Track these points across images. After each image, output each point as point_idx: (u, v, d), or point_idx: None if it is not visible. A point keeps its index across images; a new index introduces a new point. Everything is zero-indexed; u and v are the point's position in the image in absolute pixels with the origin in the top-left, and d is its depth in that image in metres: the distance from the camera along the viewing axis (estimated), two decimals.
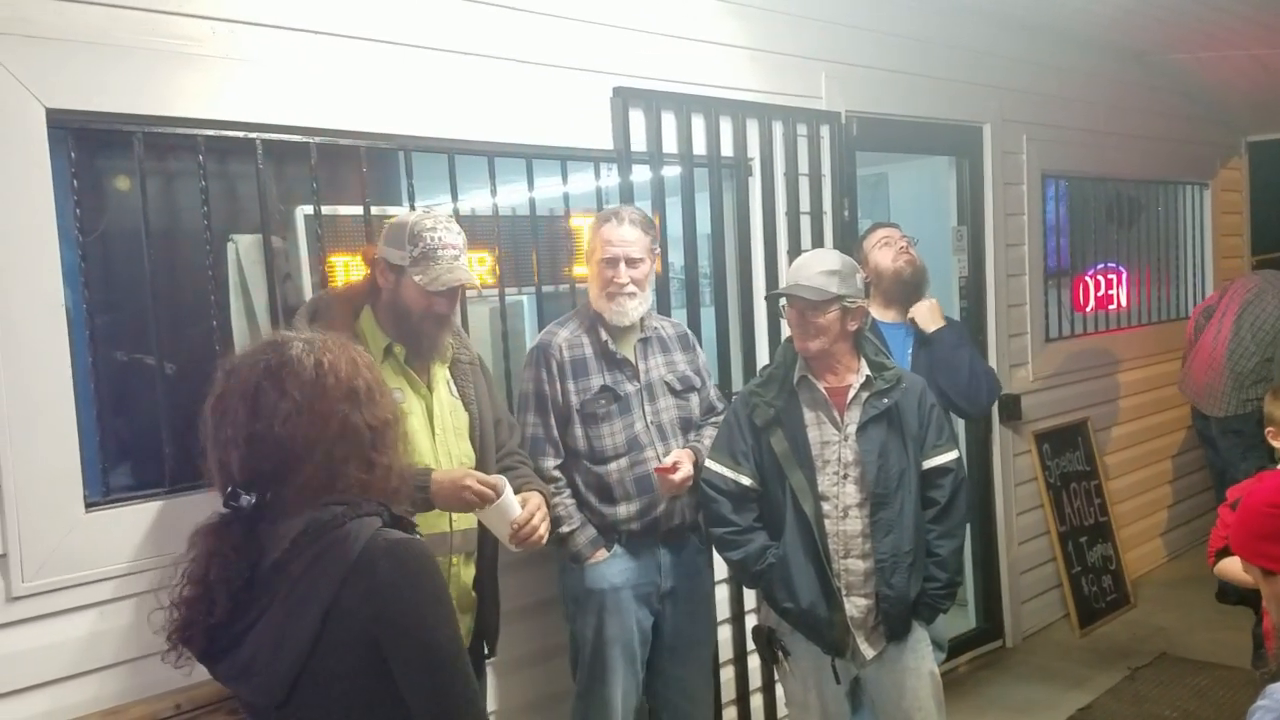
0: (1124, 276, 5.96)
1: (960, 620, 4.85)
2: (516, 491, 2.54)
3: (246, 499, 1.55)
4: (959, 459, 2.94)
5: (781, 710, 3.86)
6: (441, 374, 2.60)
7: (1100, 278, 5.80)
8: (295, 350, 1.60)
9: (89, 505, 2.31)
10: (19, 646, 2.20)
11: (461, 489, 2.40)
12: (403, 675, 1.55)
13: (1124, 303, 5.95)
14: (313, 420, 1.56)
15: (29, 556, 2.19)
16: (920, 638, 2.88)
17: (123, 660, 2.33)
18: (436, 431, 2.53)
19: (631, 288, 2.94)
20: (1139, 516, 5.86)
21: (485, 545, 2.61)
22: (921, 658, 2.87)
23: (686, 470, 2.95)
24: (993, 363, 4.82)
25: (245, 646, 1.56)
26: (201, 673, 1.85)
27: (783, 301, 2.88)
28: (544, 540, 2.58)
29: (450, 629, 1.59)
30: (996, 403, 4.76)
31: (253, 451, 1.56)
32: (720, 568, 3.61)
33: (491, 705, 3.02)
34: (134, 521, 2.35)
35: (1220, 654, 4.65)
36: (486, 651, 2.75)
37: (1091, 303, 5.74)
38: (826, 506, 2.80)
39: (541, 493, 2.68)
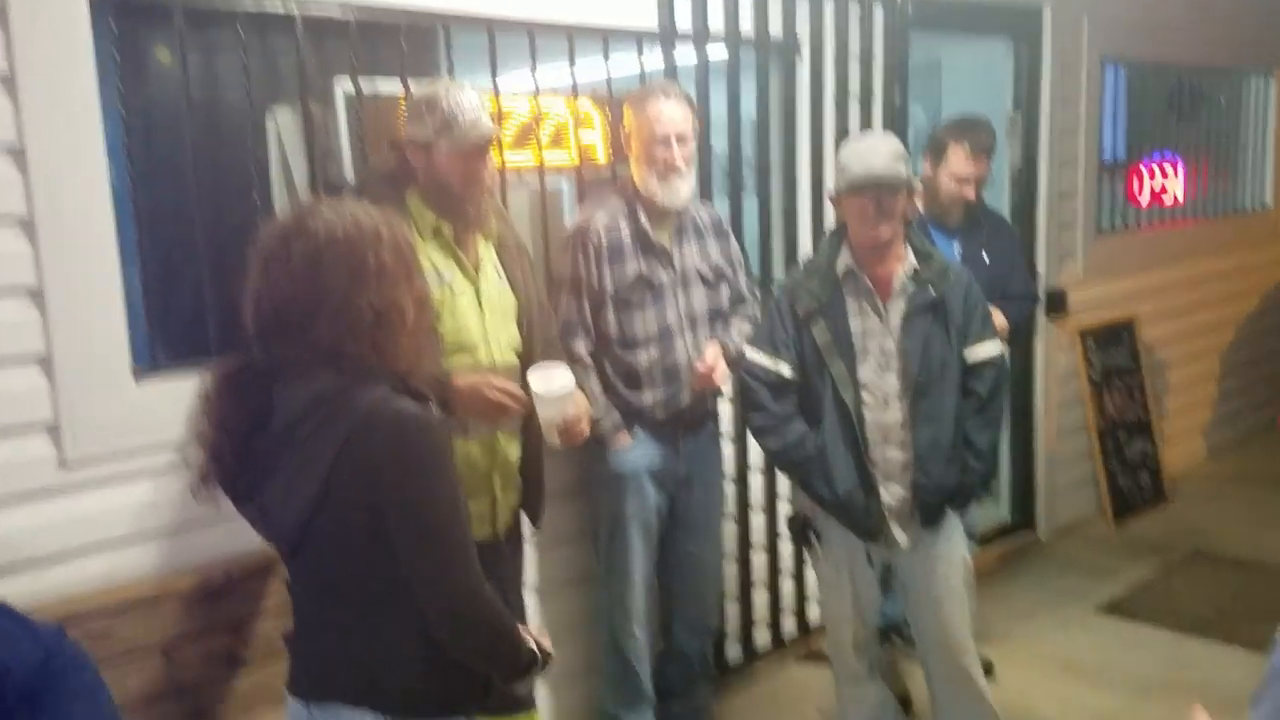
0: (1180, 168, 5.78)
1: (992, 513, 4.88)
2: None
3: (257, 349, 1.64)
4: (1002, 352, 2.91)
5: (810, 594, 3.93)
6: (489, 255, 2.59)
7: (1156, 167, 5.63)
8: (314, 221, 1.63)
9: (137, 376, 2.35)
10: (72, 514, 2.27)
11: (485, 392, 2.40)
12: (398, 540, 1.60)
13: (1179, 196, 5.79)
14: (311, 290, 1.60)
15: (79, 426, 2.25)
16: (954, 525, 2.90)
17: (175, 529, 2.40)
18: (485, 314, 2.53)
19: (683, 167, 2.91)
20: (1181, 414, 5.81)
21: (530, 423, 2.64)
22: (954, 545, 2.90)
23: (723, 370, 3.00)
24: (1040, 256, 4.74)
25: (263, 496, 1.66)
26: (251, 541, 1.90)
27: (832, 192, 2.82)
28: (584, 436, 2.66)
29: (447, 501, 1.62)
30: (1043, 296, 4.72)
31: (258, 309, 1.63)
32: (752, 457, 3.66)
33: (533, 579, 3.10)
34: (181, 392, 2.35)
35: (1256, 552, 4.65)
36: (533, 526, 2.81)
37: (1146, 195, 5.59)
38: (867, 397, 2.79)
39: (581, 389, 2.72)
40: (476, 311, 2.52)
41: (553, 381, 2.49)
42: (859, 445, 2.78)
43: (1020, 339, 4.60)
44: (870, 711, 3.01)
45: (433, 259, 2.47)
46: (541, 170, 3.20)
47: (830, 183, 3.77)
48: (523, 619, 2.83)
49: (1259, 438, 6.29)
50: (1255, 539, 4.80)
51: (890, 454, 2.81)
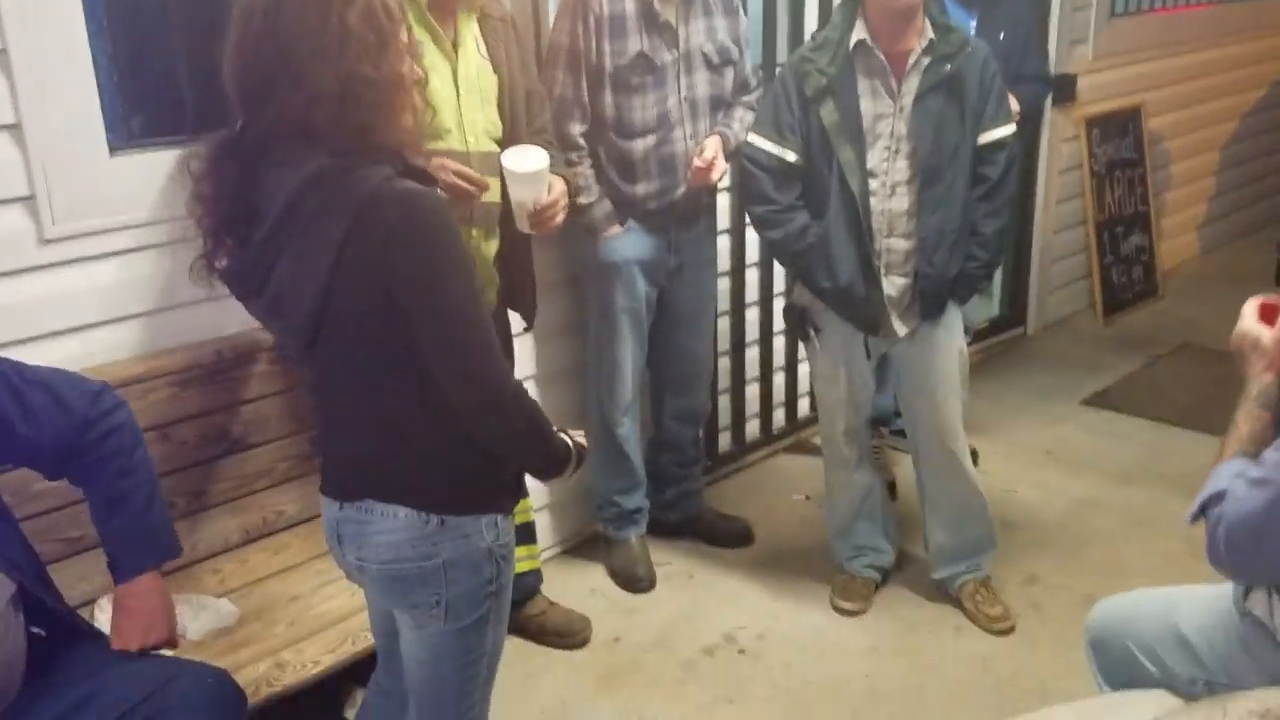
0: None
1: (983, 307, 4.86)
2: None
3: (237, 122, 1.53)
4: (1015, 133, 2.79)
5: (802, 388, 3.95)
6: (470, 29, 2.39)
7: None
8: None
9: (112, 149, 2.22)
10: (56, 289, 2.19)
11: (439, 174, 2.18)
12: (417, 326, 1.52)
13: None
14: (271, 51, 1.46)
15: (57, 199, 2.14)
16: (954, 316, 2.86)
17: (163, 307, 2.33)
18: (461, 95, 2.36)
19: None
20: (1179, 208, 5.73)
21: (510, 219, 2.51)
22: (953, 335, 2.87)
23: (722, 167, 2.88)
24: (1052, 39, 4.53)
25: (270, 287, 1.56)
26: (242, 320, 1.85)
27: None
28: (557, 226, 2.51)
29: (463, 283, 1.52)
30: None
31: (228, 75, 1.51)
32: (749, 251, 3.59)
33: (531, 370, 3.09)
34: (160, 167, 2.27)
35: None
36: (525, 325, 2.77)
37: None
38: (874, 183, 2.69)
39: (565, 179, 2.56)
40: (451, 92, 2.33)
41: (526, 158, 2.33)
42: (863, 235, 2.71)
43: (1029, 126, 4.45)
44: (858, 496, 3.06)
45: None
46: None
47: None
48: None
49: (1253, 234, 6.26)
50: None
51: (894, 243, 2.74)
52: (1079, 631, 2.93)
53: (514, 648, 2.90)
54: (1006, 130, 2.74)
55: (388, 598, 1.75)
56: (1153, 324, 5.08)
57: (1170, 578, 3.17)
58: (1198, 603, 1.93)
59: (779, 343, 3.85)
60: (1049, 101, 4.53)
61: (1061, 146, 4.80)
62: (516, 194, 2.39)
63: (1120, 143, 5.11)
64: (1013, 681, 2.76)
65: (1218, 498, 1.66)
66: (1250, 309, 1.79)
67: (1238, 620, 1.81)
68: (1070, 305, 5.13)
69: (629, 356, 3.05)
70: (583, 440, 1.77)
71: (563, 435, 1.72)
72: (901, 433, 3.45)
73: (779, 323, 3.80)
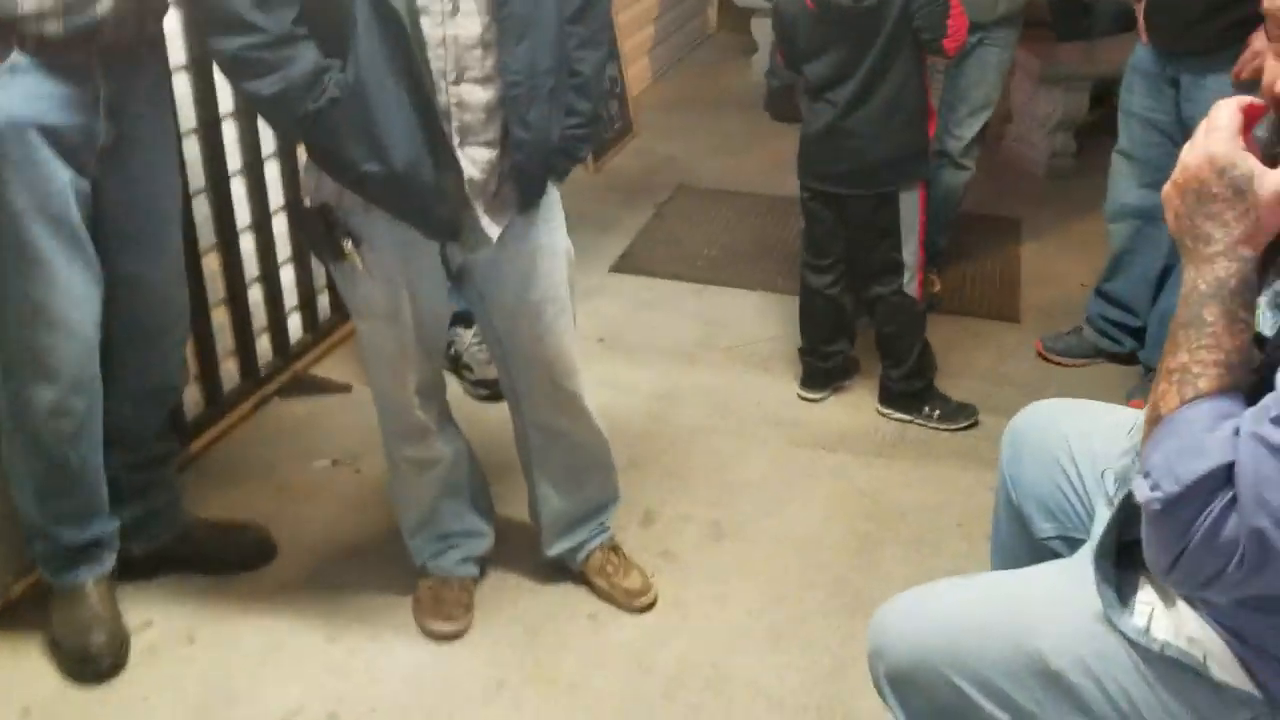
0: None
1: None
2: None
3: None
4: None
5: (289, 301, 2.82)
6: None
7: None
8: None
9: None
10: None
11: None
12: None
13: None
14: None
15: None
16: (554, 202, 1.97)
17: None
18: None
19: None
20: (631, 31, 5.23)
21: None
22: (556, 231, 1.99)
23: None
24: None
25: None
26: None
27: None
28: None
29: None
30: None
31: None
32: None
33: None
34: None
35: (731, 182, 4.37)
36: None
37: None
38: None
39: None
40: None
41: None
42: (422, 82, 1.66)
43: None
44: (441, 472, 2.10)
45: None
46: None
47: None
48: None
49: (692, 54, 6.05)
50: (725, 167, 4.52)
51: (469, 93, 1.73)
52: (725, 578, 2.35)
53: None
54: None
55: None
56: (641, 166, 4.57)
57: (786, 476, 2.71)
58: (1060, 614, 1.32)
59: (247, 242, 2.65)
60: None
61: None
62: None
63: None
64: (684, 676, 2.07)
65: (1219, 476, 1.00)
66: (1227, 116, 1.07)
67: (1134, 656, 1.25)
68: None
69: (61, 292, 1.77)
70: None
71: None
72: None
73: (244, 213, 2.61)
